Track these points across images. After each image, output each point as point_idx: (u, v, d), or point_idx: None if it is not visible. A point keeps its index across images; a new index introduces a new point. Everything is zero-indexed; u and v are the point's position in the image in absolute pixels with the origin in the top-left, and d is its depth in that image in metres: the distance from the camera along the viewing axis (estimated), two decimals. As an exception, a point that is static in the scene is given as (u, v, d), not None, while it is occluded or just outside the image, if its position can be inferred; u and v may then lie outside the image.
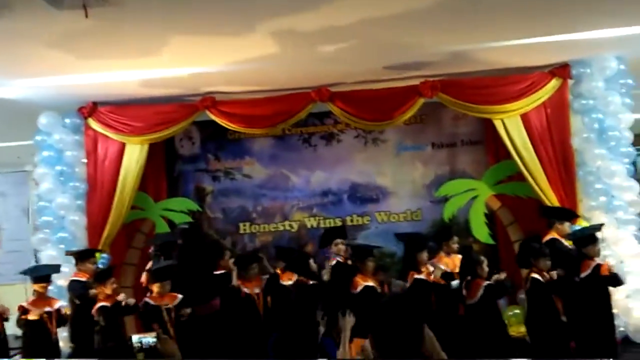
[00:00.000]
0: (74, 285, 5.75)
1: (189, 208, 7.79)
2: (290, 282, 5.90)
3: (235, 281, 5.80)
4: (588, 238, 5.23)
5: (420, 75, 6.41)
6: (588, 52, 6.07)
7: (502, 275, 5.29)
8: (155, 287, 5.32)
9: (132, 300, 5.39)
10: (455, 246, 6.19)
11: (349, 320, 2.97)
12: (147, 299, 5.35)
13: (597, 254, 5.22)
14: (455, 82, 6.53)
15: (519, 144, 6.46)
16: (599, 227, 5.52)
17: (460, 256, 5.94)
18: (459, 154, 7.88)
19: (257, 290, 5.84)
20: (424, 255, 5.58)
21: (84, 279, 5.73)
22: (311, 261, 6.07)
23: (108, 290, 5.31)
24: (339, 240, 6.34)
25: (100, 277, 5.42)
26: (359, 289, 5.39)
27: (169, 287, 5.33)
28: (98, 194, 6.86)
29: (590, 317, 5.05)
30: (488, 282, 5.10)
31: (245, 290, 5.77)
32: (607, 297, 5.21)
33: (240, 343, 5.51)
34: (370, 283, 5.44)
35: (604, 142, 6.20)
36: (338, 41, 5.23)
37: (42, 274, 5.54)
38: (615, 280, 5.17)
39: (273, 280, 5.95)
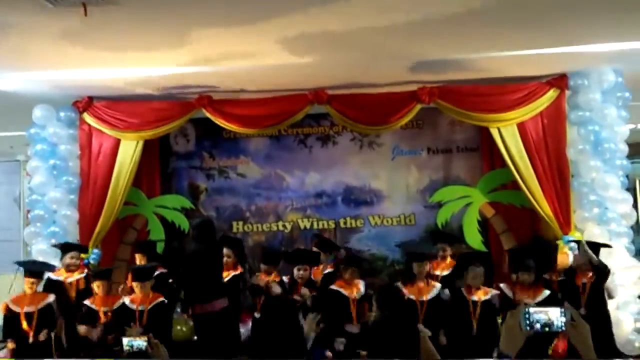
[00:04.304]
0: None
1: (183, 205, 7.76)
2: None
3: None
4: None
5: (419, 81, 6.39)
6: (586, 64, 6.06)
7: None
8: (135, 287, 5.28)
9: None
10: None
11: None
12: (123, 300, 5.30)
13: None
14: (453, 89, 6.51)
15: (515, 153, 6.46)
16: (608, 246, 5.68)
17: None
18: (454, 160, 7.87)
19: None
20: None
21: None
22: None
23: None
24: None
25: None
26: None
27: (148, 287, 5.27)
28: (91, 188, 6.80)
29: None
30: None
31: None
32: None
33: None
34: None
35: (599, 154, 6.21)
36: (338, 47, 5.21)
37: (35, 269, 5.49)
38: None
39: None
